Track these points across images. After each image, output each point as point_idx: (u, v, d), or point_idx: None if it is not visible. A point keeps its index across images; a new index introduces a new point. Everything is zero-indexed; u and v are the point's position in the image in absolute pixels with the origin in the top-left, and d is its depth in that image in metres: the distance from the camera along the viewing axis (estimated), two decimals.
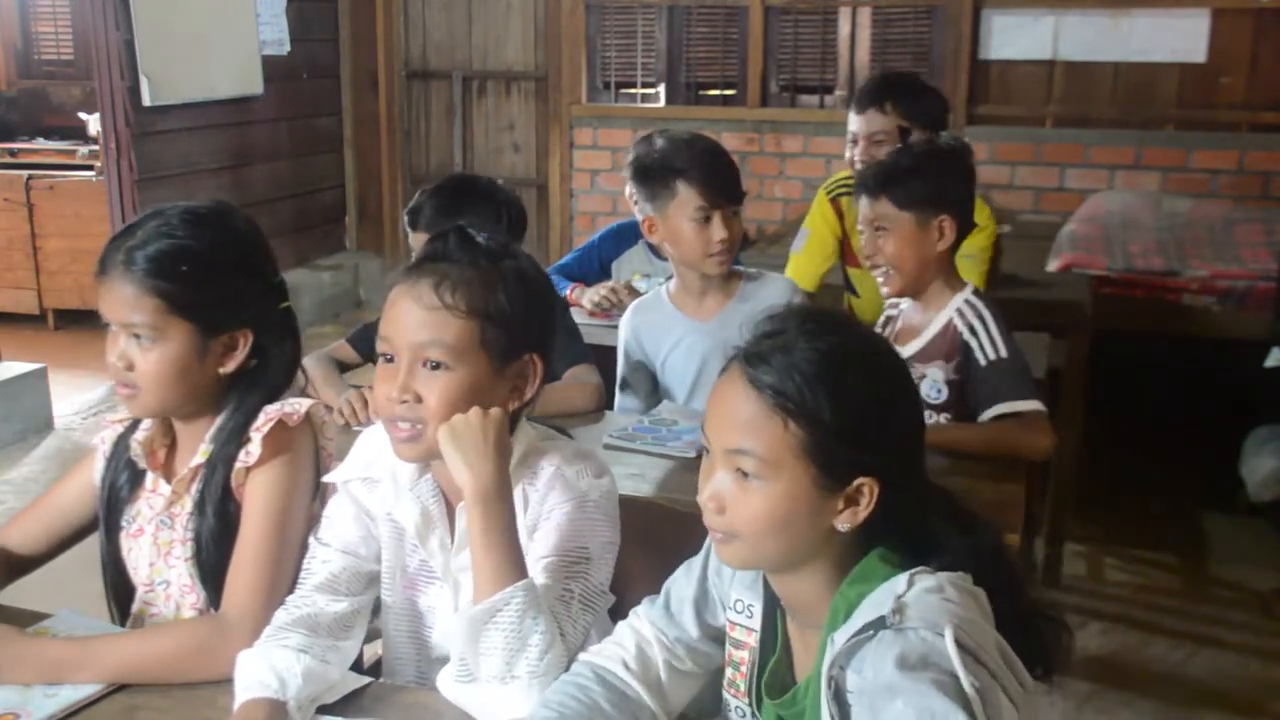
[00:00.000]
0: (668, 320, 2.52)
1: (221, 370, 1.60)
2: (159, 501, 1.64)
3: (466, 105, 6.72)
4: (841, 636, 1.16)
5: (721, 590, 1.39)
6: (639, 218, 2.52)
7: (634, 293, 3.14)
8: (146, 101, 5.36)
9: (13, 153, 6.57)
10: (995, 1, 5.60)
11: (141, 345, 1.55)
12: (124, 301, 1.54)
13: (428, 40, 6.74)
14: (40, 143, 6.73)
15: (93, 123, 6.03)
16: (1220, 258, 4.20)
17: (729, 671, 1.37)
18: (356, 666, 1.55)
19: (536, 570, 1.41)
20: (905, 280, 2.31)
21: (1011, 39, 5.63)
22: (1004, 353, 2.23)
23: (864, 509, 1.20)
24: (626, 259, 3.43)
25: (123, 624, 1.70)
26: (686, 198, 2.38)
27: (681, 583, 1.42)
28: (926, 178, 2.29)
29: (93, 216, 5.86)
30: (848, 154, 3.23)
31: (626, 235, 3.45)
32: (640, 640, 1.40)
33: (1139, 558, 3.72)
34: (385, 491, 1.55)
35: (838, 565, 1.23)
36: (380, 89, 6.81)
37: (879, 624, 1.13)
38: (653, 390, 2.56)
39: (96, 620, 1.61)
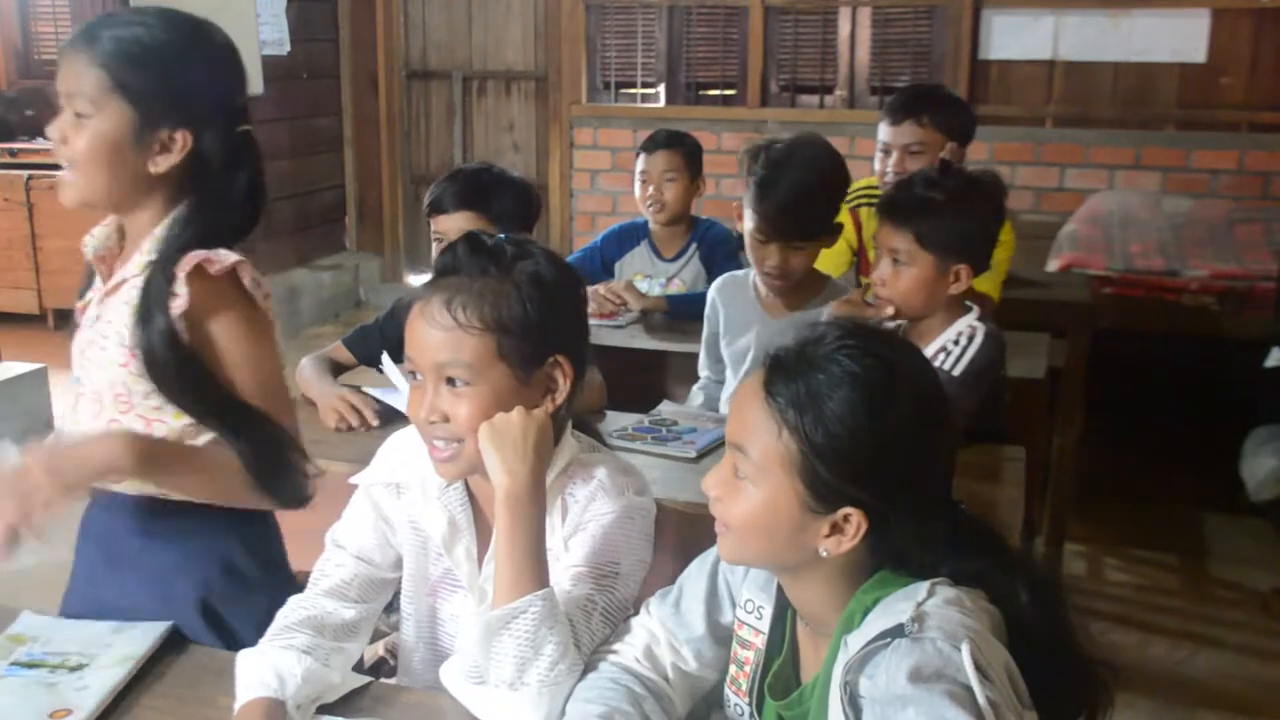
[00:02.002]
0: (745, 303, 2.56)
1: (151, 168, 1.54)
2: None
3: (466, 105, 6.72)
4: (855, 641, 1.16)
5: (734, 587, 1.38)
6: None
7: (636, 292, 3.14)
8: None
9: (13, 153, 6.56)
10: (995, 1, 5.60)
11: (79, 124, 1.52)
12: (73, 73, 1.52)
13: (428, 40, 6.74)
14: (40, 143, 6.69)
15: None
16: (1220, 258, 4.21)
17: (732, 669, 1.37)
18: (356, 667, 1.54)
19: (565, 577, 1.40)
20: (907, 314, 2.25)
21: (1011, 39, 5.62)
22: (955, 372, 2.13)
23: (849, 540, 1.18)
24: (629, 259, 3.43)
25: None
26: (749, 215, 2.41)
27: (694, 578, 1.41)
28: (957, 221, 2.17)
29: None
30: (878, 165, 3.13)
31: (629, 235, 3.45)
32: (650, 640, 1.40)
33: (1139, 558, 3.72)
34: (413, 498, 1.54)
35: (848, 578, 1.22)
36: (380, 89, 6.81)
37: (896, 631, 1.12)
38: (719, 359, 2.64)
39: (71, 620, 1.59)
